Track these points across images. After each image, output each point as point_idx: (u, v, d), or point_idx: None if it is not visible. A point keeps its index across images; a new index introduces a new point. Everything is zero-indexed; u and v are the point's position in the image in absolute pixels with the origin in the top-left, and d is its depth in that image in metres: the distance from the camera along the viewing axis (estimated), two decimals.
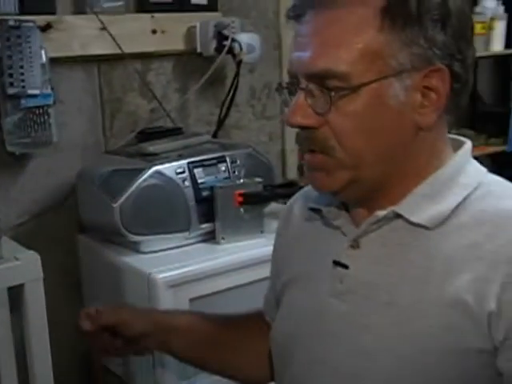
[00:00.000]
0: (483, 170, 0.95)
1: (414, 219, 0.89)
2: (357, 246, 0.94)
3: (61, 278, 1.83)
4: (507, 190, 0.92)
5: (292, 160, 2.36)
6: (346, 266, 0.94)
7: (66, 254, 1.87)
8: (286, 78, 2.32)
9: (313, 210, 1.03)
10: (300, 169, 2.37)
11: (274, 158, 2.21)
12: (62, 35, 1.77)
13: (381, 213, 0.90)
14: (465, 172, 0.92)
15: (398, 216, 0.90)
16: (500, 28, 2.65)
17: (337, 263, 0.95)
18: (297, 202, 1.14)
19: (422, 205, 0.89)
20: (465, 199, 0.89)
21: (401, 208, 0.90)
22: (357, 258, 0.93)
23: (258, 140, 2.29)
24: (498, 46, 2.65)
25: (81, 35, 1.81)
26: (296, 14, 0.90)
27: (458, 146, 0.96)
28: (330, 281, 0.96)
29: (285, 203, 1.91)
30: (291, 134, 2.31)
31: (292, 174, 2.35)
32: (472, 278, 0.83)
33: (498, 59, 2.69)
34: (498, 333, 0.81)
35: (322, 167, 0.90)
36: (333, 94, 0.84)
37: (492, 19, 2.61)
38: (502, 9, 2.67)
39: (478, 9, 2.54)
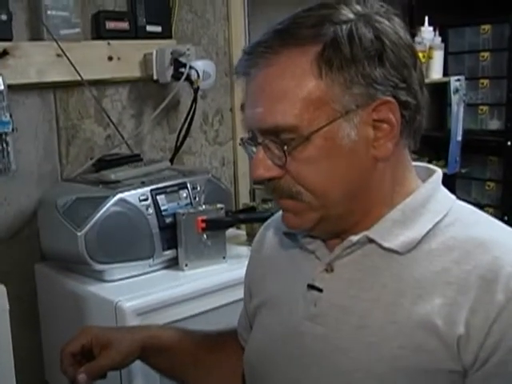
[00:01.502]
0: (452, 197, 0.98)
1: (386, 244, 0.91)
2: (330, 270, 0.96)
3: (18, 309, 1.79)
4: (474, 217, 0.95)
5: (244, 184, 2.39)
6: (320, 290, 0.96)
7: (24, 284, 1.83)
8: (237, 104, 2.37)
9: (287, 234, 1.05)
10: (252, 193, 2.40)
11: (226, 183, 2.24)
12: (18, 62, 1.75)
13: (354, 238, 0.93)
14: (435, 199, 0.95)
15: (371, 241, 0.93)
16: (438, 57, 2.76)
17: (311, 287, 0.97)
18: (270, 227, 1.16)
19: (394, 230, 0.92)
20: (435, 226, 0.92)
21: (373, 233, 0.92)
22: (330, 282, 0.96)
23: (210, 165, 2.31)
24: (436, 74, 2.76)
25: (37, 62, 1.79)
26: (242, 72, 0.93)
27: (428, 173, 0.99)
28: (304, 304, 0.98)
29: (246, 228, 1.94)
30: (243, 159, 2.35)
31: (244, 198, 2.37)
32: (442, 303, 0.86)
33: (436, 86, 2.80)
34: (467, 355, 0.84)
35: (293, 210, 0.94)
36: (285, 147, 0.88)
37: (430, 48, 2.72)
38: (438, 39, 2.79)
39: (417, 39, 2.64)
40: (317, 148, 0.87)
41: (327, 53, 0.86)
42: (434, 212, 0.93)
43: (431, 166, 1.01)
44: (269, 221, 1.19)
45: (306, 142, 0.87)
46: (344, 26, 0.86)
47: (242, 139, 0.99)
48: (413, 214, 0.93)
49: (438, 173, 0.99)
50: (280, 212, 1.15)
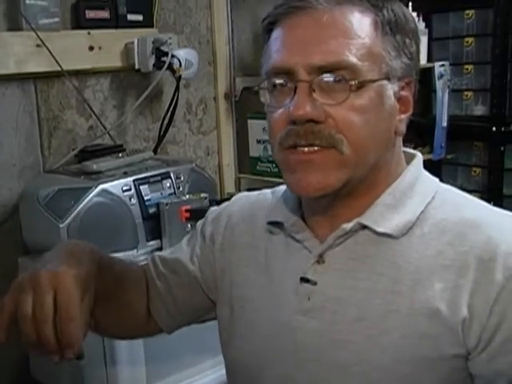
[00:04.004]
0: (435, 179, 0.98)
1: (380, 229, 0.89)
2: (322, 261, 0.93)
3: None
4: (461, 198, 0.95)
5: (229, 174, 2.37)
6: (314, 283, 0.93)
7: (7, 278, 1.80)
8: (221, 93, 2.32)
9: (272, 223, 1.01)
10: (237, 183, 2.39)
11: (211, 173, 2.22)
12: None
13: (347, 225, 0.90)
14: (421, 181, 0.95)
15: (364, 227, 0.90)
16: (422, 43, 2.73)
17: (303, 280, 0.93)
18: (245, 208, 1.09)
19: (386, 215, 0.90)
20: (425, 208, 0.91)
21: (366, 219, 0.90)
22: (324, 274, 0.92)
23: (195, 155, 2.29)
24: (420, 59, 2.74)
25: (16, 52, 1.76)
26: (291, 7, 0.88)
27: (409, 157, 0.98)
28: (295, 298, 0.94)
29: None
30: (228, 148, 2.33)
31: (230, 188, 2.36)
32: (443, 287, 0.85)
33: (420, 72, 2.79)
34: (470, 338, 0.84)
35: (322, 165, 0.87)
36: (353, 83, 0.85)
37: None
38: (422, 25, 2.77)
39: None
40: (369, 98, 0.87)
41: (386, 17, 0.88)
42: (422, 194, 0.93)
43: (410, 150, 1.00)
44: (231, 206, 1.11)
45: (363, 88, 0.86)
46: (393, 3, 0.91)
47: (271, 83, 0.90)
48: (403, 197, 0.92)
49: (419, 156, 0.99)
50: (243, 198, 1.12)
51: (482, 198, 0.98)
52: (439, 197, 0.93)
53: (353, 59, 0.85)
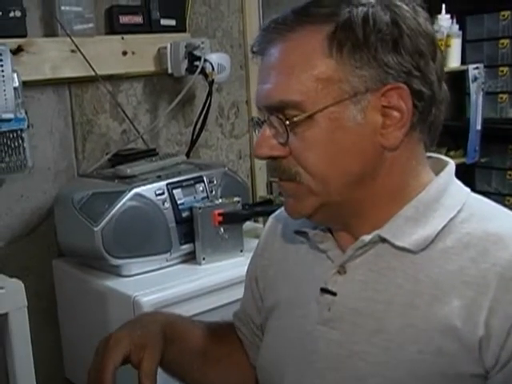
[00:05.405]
0: (466, 190, 0.93)
1: (398, 243, 0.87)
2: (343, 272, 0.92)
3: (36, 305, 1.79)
4: (490, 211, 0.92)
5: (261, 178, 2.37)
6: (333, 293, 0.92)
7: (42, 279, 1.84)
8: (253, 96, 2.35)
9: (298, 232, 1.01)
10: (269, 186, 2.39)
11: (243, 177, 2.23)
12: (32, 58, 1.75)
13: (366, 237, 0.89)
14: (448, 193, 0.91)
15: (383, 240, 0.89)
16: (456, 45, 2.72)
17: (324, 290, 0.93)
18: (278, 224, 1.11)
19: (406, 228, 0.88)
20: (449, 222, 0.88)
21: (385, 232, 0.89)
22: (344, 285, 0.92)
23: (227, 159, 2.30)
24: (454, 62, 2.72)
25: (51, 58, 1.79)
26: (259, 50, 0.90)
27: (441, 165, 0.94)
28: (317, 308, 0.94)
29: (264, 221, 1.93)
30: None
31: (261, 191, 2.36)
32: (461, 304, 0.83)
33: (454, 75, 2.77)
34: (488, 357, 0.81)
35: (292, 194, 0.91)
36: (287, 122, 0.85)
37: (448, 36, 2.68)
38: (456, 27, 2.75)
39: (434, 27, 2.59)
40: (321, 129, 0.85)
41: (339, 33, 0.83)
42: (448, 207, 0.89)
43: (443, 158, 0.97)
44: (274, 219, 1.14)
45: (310, 120, 0.84)
46: (360, 8, 0.84)
47: (252, 118, 0.97)
48: (426, 210, 0.89)
49: (451, 165, 0.94)
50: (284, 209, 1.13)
51: None
52: (467, 209, 0.90)
53: (292, 96, 0.84)
